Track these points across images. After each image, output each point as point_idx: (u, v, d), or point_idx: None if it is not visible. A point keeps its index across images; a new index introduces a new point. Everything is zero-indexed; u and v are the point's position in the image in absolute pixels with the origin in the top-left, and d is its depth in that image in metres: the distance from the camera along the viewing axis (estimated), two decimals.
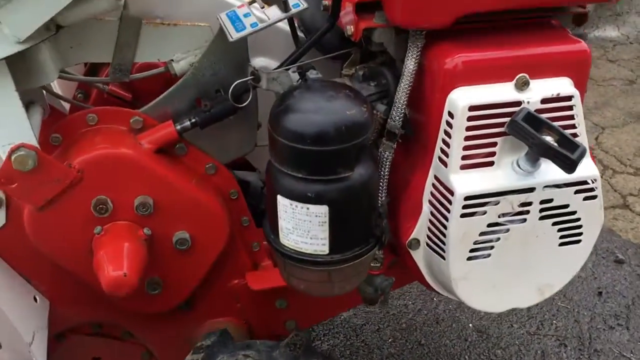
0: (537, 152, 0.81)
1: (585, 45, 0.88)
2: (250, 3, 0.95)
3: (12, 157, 0.81)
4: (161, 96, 0.94)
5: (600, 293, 1.56)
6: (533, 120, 0.81)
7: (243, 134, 1.00)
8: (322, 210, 0.75)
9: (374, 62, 0.94)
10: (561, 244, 0.93)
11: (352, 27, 0.88)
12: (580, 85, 0.88)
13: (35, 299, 0.99)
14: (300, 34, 1.03)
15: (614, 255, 1.67)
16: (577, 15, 0.95)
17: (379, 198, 0.86)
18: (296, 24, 1.02)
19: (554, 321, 1.48)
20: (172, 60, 0.94)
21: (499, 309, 0.98)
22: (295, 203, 0.75)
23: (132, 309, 1.02)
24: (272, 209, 0.79)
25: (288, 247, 0.80)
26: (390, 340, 1.42)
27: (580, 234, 0.93)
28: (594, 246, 1.67)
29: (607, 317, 1.49)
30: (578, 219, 0.91)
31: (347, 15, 0.90)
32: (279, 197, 0.76)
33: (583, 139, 0.88)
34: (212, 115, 0.92)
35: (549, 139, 0.80)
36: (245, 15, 0.90)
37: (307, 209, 0.75)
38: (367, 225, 0.80)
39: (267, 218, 0.84)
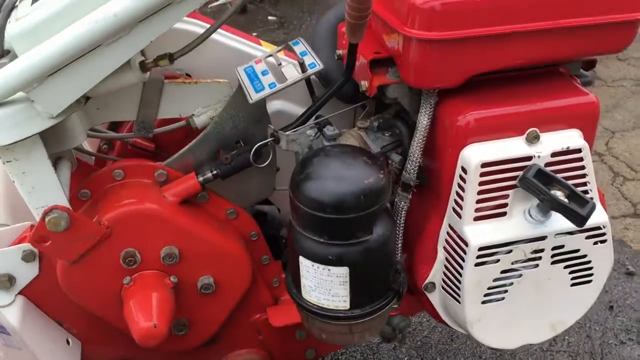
0: (548, 207, 0.84)
1: (593, 97, 0.91)
2: (267, 57, 0.98)
3: (46, 219, 0.85)
4: (184, 149, 0.97)
5: (611, 307, 1.59)
6: (543, 176, 0.84)
7: (262, 180, 1.03)
8: (343, 271, 0.79)
9: (388, 112, 0.97)
10: (573, 284, 0.96)
11: (366, 82, 0.91)
12: (589, 136, 0.90)
13: (67, 342, 1.04)
14: (316, 78, 1.06)
15: (625, 267, 1.70)
16: (586, 61, 0.97)
17: (397, 253, 0.90)
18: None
19: (566, 337, 1.51)
20: (194, 114, 0.97)
21: (513, 346, 1.02)
22: (317, 265, 0.79)
23: (159, 349, 1.07)
24: (294, 267, 0.83)
25: (310, 303, 0.84)
26: (406, 358, 1.47)
27: (591, 274, 0.96)
28: None
29: (618, 332, 1.53)
30: (589, 262, 0.94)
31: (361, 69, 0.93)
32: (301, 257, 0.80)
33: (593, 188, 0.91)
34: (233, 167, 0.96)
35: (559, 194, 0.83)
36: (263, 73, 0.93)
37: (329, 270, 0.79)
38: (385, 281, 0.84)
39: (289, 273, 0.88)
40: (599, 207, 0.90)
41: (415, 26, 0.80)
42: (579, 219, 0.81)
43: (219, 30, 0.98)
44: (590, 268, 0.95)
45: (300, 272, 0.82)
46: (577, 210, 0.81)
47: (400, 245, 0.93)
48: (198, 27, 1.07)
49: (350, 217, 0.75)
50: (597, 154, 2.18)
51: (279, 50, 0.98)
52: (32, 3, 0.76)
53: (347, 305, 0.82)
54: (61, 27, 0.72)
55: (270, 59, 0.97)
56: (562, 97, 0.89)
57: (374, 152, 0.92)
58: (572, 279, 0.95)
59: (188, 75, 1.07)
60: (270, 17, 3.60)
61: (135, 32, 0.73)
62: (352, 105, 0.99)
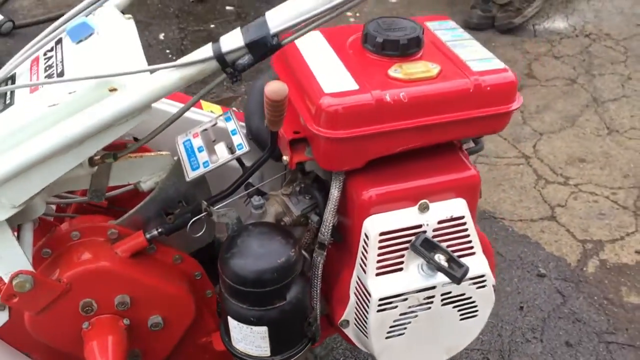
0: (432, 268, 1.03)
1: (474, 171, 1.08)
2: (202, 131, 1.13)
3: (13, 282, 1.00)
4: (133, 210, 1.13)
5: (522, 307, 1.81)
6: (428, 244, 1.02)
7: (203, 231, 1.19)
8: (263, 329, 0.97)
9: (308, 178, 1.13)
10: (462, 319, 1.16)
11: (287, 157, 1.07)
12: (472, 202, 1.08)
13: None
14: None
15: (537, 269, 1.92)
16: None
17: (314, 301, 1.08)
18: (244, 131, 1.21)
19: (481, 336, 1.73)
20: (140, 181, 1.13)
21: None
22: (241, 324, 0.97)
23: None
24: (225, 322, 1.01)
25: (239, 351, 1.02)
26: None
27: (476, 310, 1.15)
28: (520, 260, 1.93)
29: (525, 331, 1.75)
30: (474, 302, 1.13)
31: (282, 144, 1.09)
32: (229, 317, 0.98)
33: (476, 245, 1.09)
34: (175, 226, 1.11)
35: (441, 258, 1.02)
36: (199, 150, 1.09)
37: (251, 328, 0.97)
38: (300, 332, 1.02)
39: (222, 324, 1.05)
40: (480, 259, 1.10)
41: (322, 125, 0.96)
42: (456, 280, 1.00)
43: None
44: (475, 306, 1.14)
45: (230, 327, 0.99)
46: (453, 273, 0.99)
47: (317, 291, 1.11)
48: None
49: (266, 290, 0.93)
50: (524, 157, 2.38)
51: (213, 125, 1.13)
52: None
53: (268, 353, 1.00)
54: (26, 138, 0.86)
55: (206, 132, 1.12)
56: (449, 172, 1.07)
57: (296, 215, 1.09)
58: (461, 315, 1.15)
59: (135, 138, 1.21)
60: (227, 8, 3.67)
61: (86, 144, 0.88)
62: (279, 174, 1.15)
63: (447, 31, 1.15)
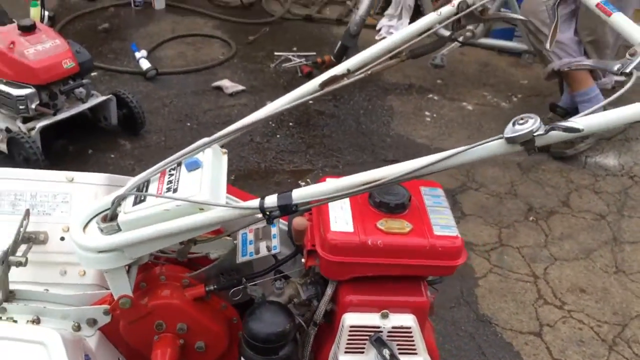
0: (381, 350, 1.53)
1: (425, 298, 1.57)
2: (256, 228, 1.70)
3: (120, 301, 1.61)
4: (201, 270, 1.71)
5: None
6: (380, 342, 1.52)
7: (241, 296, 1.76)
8: None
9: (316, 275, 1.67)
10: None
11: (304, 260, 1.62)
12: (422, 318, 1.58)
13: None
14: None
15: None
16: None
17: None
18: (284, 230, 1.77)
19: None
20: (210, 252, 1.71)
21: None
22: None
23: None
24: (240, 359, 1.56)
25: None
26: None
27: None
28: None
29: None
30: None
31: (304, 251, 1.63)
32: (242, 357, 1.53)
33: (421, 350, 1.58)
34: (224, 287, 1.69)
35: (387, 352, 1.52)
36: (250, 242, 1.66)
37: None
38: None
39: None
40: (422, 358, 1.58)
41: (324, 250, 1.50)
42: None
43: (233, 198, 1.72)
44: None
45: None
46: None
47: (307, 355, 1.64)
48: None
49: (266, 346, 1.47)
50: (534, 276, 2.79)
51: (264, 226, 1.70)
52: (133, 205, 1.51)
53: None
54: (146, 224, 1.47)
55: (258, 230, 1.69)
56: (407, 295, 1.57)
57: (302, 298, 1.63)
58: None
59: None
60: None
61: (182, 235, 1.47)
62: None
63: (432, 197, 1.66)
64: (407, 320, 1.56)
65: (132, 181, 1.56)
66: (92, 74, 4.31)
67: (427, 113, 4.04)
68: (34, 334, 1.43)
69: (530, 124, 1.17)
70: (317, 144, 3.68)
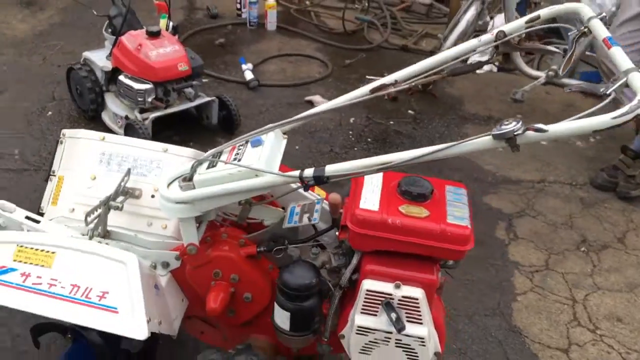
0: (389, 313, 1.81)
1: (434, 277, 1.84)
2: (303, 204, 2.04)
3: (187, 248, 2.01)
4: (255, 233, 2.07)
5: None
6: (389, 306, 1.81)
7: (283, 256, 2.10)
8: (287, 314, 1.84)
9: (345, 247, 1.98)
10: None
11: (337, 233, 1.94)
12: (429, 295, 1.84)
13: (182, 300, 2.20)
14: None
15: None
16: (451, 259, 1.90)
17: (325, 318, 1.92)
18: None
19: None
20: (264, 219, 2.08)
21: None
22: (277, 307, 1.86)
23: (220, 321, 2.19)
24: (274, 306, 1.90)
25: (275, 323, 1.90)
26: None
27: (417, 358, 1.90)
28: None
29: None
30: (416, 353, 1.88)
31: (340, 225, 1.96)
32: (275, 304, 1.87)
33: (425, 321, 1.84)
34: (271, 248, 2.04)
35: (394, 316, 1.80)
36: (296, 214, 2.01)
37: (282, 311, 1.85)
38: (308, 325, 1.88)
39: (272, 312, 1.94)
40: (424, 328, 1.84)
41: (352, 223, 1.82)
42: (397, 329, 1.78)
43: None
44: (417, 356, 1.89)
45: (275, 309, 1.89)
46: (396, 326, 1.77)
47: (331, 314, 1.94)
48: None
49: (293, 293, 1.81)
50: (573, 300, 2.93)
51: (310, 202, 2.04)
52: (207, 169, 1.90)
53: (288, 329, 1.87)
54: (213, 184, 1.86)
55: (305, 205, 2.03)
56: (419, 272, 1.84)
57: (332, 266, 1.95)
58: (407, 358, 1.90)
59: (271, 195, 2.17)
60: (409, 111, 4.62)
61: (241, 195, 1.84)
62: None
63: (454, 194, 1.93)
64: (416, 292, 1.83)
65: (209, 152, 1.96)
66: (204, 80, 4.88)
67: None
68: (119, 255, 1.84)
69: (513, 124, 1.45)
70: None
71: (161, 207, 1.95)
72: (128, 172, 2.21)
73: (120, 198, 2.17)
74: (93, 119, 4.16)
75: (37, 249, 1.79)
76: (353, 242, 1.87)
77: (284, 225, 1.99)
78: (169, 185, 1.94)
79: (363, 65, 5.34)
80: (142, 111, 3.86)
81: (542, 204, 3.63)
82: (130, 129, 3.79)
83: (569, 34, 1.84)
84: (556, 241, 3.32)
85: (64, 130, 2.38)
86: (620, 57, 1.57)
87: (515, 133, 1.45)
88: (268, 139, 1.94)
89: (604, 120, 1.38)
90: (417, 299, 1.83)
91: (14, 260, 1.78)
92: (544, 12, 1.99)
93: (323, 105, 2.09)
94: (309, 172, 1.72)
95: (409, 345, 1.86)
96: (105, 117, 4.11)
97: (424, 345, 1.86)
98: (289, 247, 1.97)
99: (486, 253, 3.20)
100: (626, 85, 1.47)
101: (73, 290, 1.75)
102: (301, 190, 2.17)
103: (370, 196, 1.88)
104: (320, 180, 1.70)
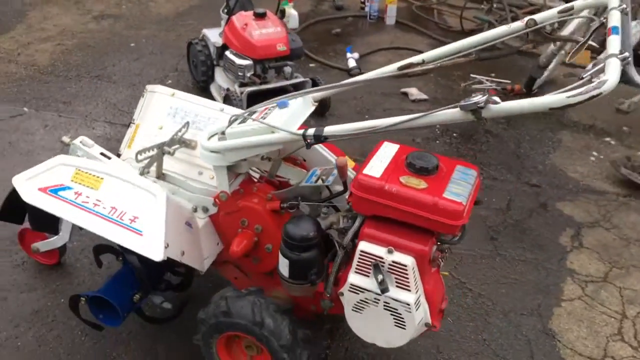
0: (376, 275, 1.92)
1: (426, 248, 1.92)
2: (323, 168, 2.20)
3: (220, 194, 2.26)
4: (281, 191, 2.27)
5: None
6: (377, 267, 1.92)
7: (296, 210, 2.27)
8: (287, 262, 2.02)
9: (352, 212, 2.11)
10: (394, 325, 1.99)
11: (347, 199, 2.08)
12: (421, 265, 1.92)
13: (217, 244, 2.46)
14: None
15: None
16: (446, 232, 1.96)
17: (326, 271, 2.07)
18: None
19: None
20: (290, 178, 2.27)
21: (366, 339, 2.10)
22: (281, 255, 2.04)
23: (245, 266, 2.42)
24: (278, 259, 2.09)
25: (278, 269, 2.09)
26: None
27: (404, 325, 1.98)
28: None
29: None
30: (403, 318, 1.96)
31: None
32: (280, 254, 2.06)
33: (413, 289, 1.92)
34: (291, 208, 2.22)
35: (380, 277, 1.90)
36: (315, 175, 2.17)
37: (283, 259, 2.03)
38: (305, 275, 2.04)
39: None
40: (412, 295, 1.93)
41: (355, 186, 1.95)
42: (380, 290, 1.89)
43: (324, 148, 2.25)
44: (403, 321, 1.97)
45: (280, 259, 2.07)
46: (380, 287, 1.89)
47: (335, 272, 2.09)
48: None
49: (293, 243, 1.98)
50: (623, 315, 2.79)
51: (325, 177, 2.19)
52: (238, 124, 2.13)
53: (287, 276, 2.05)
54: (239, 136, 2.08)
55: (325, 170, 2.19)
56: (412, 241, 1.93)
57: (339, 227, 2.10)
58: (394, 322, 1.99)
59: (304, 160, 2.35)
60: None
61: (261, 148, 2.06)
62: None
63: (461, 173, 1.99)
64: (406, 259, 1.92)
65: (247, 110, 2.19)
66: (310, 65, 5.17)
67: (594, 153, 4.05)
68: (152, 188, 2.12)
69: (478, 97, 1.51)
70: (469, 155, 3.99)
71: (200, 155, 2.21)
72: (186, 125, 2.51)
73: (176, 146, 2.47)
74: (204, 90, 4.58)
75: (90, 174, 2.13)
76: (355, 205, 2.00)
77: (301, 184, 2.16)
78: (211, 137, 2.20)
79: (471, 64, 5.28)
80: (241, 85, 4.21)
81: (622, 217, 3.44)
82: (227, 100, 4.15)
83: (591, 24, 1.82)
84: (624, 256, 3.16)
85: (147, 86, 2.74)
86: (611, 44, 1.55)
87: (478, 105, 1.51)
88: (295, 103, 2.13)
89: (559, 98, 1.40)
90: (405, 266, 1.92)
91: (71, 181, 2.13)
92: (578, 3, 1.97)
93: (351, 80, 2.23)
94: (310, 131, 1.89)
95: (397, 309, 1.96)
96: (212, 88, 4.52)
97: (409, 312, 1.95)
98: (300, 204, 2.14)
99: (542, 257, 3.13)
100: (603, 71, 1.46)
101: (111, 211, 2.06)
102: (329, 157, 2.35)
103: (378, 164, 2.00)
104: (319, 139, 1.87)
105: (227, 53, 4.24)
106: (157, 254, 1.99)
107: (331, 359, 2.57)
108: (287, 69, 4.23)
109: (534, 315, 2.78)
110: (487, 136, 4.25)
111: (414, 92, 4.69)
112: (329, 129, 1.86)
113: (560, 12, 1.98)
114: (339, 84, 2.20)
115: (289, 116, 2.05)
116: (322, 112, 4.37)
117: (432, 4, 6.73)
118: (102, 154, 2.55)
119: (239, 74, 4.15)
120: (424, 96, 4.67)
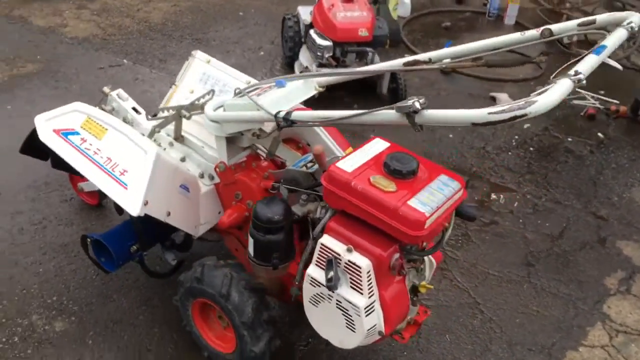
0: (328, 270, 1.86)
1: (384, 254, 1.82)
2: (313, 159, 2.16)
3: (218, 164, 2.29)
4: (277, 171, 2.26)
5: None
6: (330, 263, 1.85)
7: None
8: (253, 240, 2.02)
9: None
10: (346, 327, 1.92)
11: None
12: (377, 269, 1.83)
13: (219, 212, 2.51)
14: None
15: None
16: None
17: (283, 252, 2.05)
18: None
19: None
20: (286, 160, 2.25)
21: (321, 334, 2.04)
22: (250, 236, 2.04)
23: (241, 239, 2.45)
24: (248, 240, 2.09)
25: (247, 249, 2.09)
26: None
27: (354, 328, 1.90)
28: None
29: None
30: (352, 320, 1.89)
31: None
32: (249, 236, 2.06)
33: (366, 293, 1.84)
34: (274, 188, 2.21)
35: (330, 274, 1.84)
36: (304, 159, 2.13)
37: (250, 239, 2.03)
38: (267, 257, 2.02)
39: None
40: (363, 299, 1.85)
41: (325, 179, 1.90)
42: (327, 285, 1.83)
43: (326, 133, 2.21)
44: (353, 323, 1.90)
45: (249, 240, 2.08)
46: (327, 283, 1.83)
47: (303, 261, 2.06)
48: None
49: (259, 224, 1.97)
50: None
51: (312, 165, 2.14)
52: (234, 96, 2.14)
53: (252, 255, 2.05)
54: (232, 110, 2.10)
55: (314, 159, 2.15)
56: (373, 245, 1.84)
57: (314, 217, 2.05)
58: (345, 322, 1.92)
59: (308, 144, 2.32)
60: (599, 134, 4.13)
61: (249, 124, 2.06)
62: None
63: (441, 183, 1.86)
64: (362, 261, 1.84)
65: (251, 85, 2.20)
66: (406, 55, 5.02)
67: None
68: (145, 144, 2.19)
69: (413, 102, 1.40)
70: (540, 173, 3.69)
71: (204, 123, 2.26)
72: (210, 92, 2.56)
73: (196, 111, 2.54)
74: (289, 65, 4.64)
75: (98, 123, 2.26)
76: (325, 197, 1.95)
77: (287, 167, 2.14)
78: (217, 107, 2.23)
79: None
80: (319, 65, 4.20)
81: None
82: None
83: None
84: None
85: (193, 51, 2.83)
86: (581, 63, 1.36)
87: (412, 109, 1.40)
88: (292, 84, 2.10)
89: (481, 114, 1.27)
90: (360, 268, 1.84)
91: (81, 127, 2.27)
92: (601, 17, 1.75)
93: (360, 69, 2.15)
94: (281, 113, 1.86)
95: (347, 310, 1.89)
96: (296, 65, 4.56)
97: (358, 315, 1.87)
98: (281, 186, 2.12)
99: (577, 294, 2.85)
100: None
101: (107, 161, 2.17)
102: (333, 147, 2.30)
103: (356, 160, 1.93)
104: (288, 123, 1.84)
105: (311, 32, 4.25)
106: (134, 209, 2.07)
107: (312, 349, 2.54)
108: (369, 56, 4.15)
109: (543, 353, 2.54)
110: (567, 156, 3.90)
111: (504, 98, 4.41)
112: (297, 114, 1.82)
113: (580, 24, 1.77)
114: (344, 71, 2.17)
115: (278, 96, 2.03)
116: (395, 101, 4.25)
117: (563, 8, 6.25)
118: (133, 108, 2.68)
119: (318, 54, 4.15)
120: None
